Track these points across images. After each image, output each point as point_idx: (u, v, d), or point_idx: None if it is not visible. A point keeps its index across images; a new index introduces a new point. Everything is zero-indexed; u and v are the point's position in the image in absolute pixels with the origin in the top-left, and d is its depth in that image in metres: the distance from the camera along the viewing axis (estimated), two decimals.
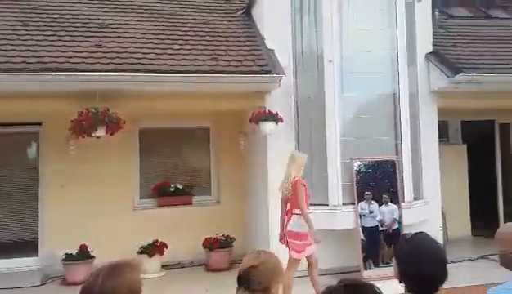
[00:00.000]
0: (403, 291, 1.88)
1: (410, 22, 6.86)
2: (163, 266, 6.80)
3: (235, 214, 7.35)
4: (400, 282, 1.89)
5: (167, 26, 6.83)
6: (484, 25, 8.47)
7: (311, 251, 5.25)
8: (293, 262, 5.14)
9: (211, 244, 6.84)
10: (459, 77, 6.73)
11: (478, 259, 6.79)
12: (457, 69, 6.84)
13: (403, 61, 6.60)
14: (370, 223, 6.25)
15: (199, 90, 6.05)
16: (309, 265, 5.29)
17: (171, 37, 6.53)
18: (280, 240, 5.40)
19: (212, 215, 7.36)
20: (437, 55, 7.13)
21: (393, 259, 1.96)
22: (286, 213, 5.32)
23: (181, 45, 6.35)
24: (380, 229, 6.28)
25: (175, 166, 7.82)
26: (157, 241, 6.68)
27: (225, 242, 6.88)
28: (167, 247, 6.71)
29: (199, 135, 7.90)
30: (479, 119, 8.87)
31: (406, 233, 2.00)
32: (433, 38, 7.33)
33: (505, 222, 8.53)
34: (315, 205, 6.24)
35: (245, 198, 7.45)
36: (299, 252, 5.18)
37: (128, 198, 7.31)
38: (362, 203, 6.26)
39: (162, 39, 6.44)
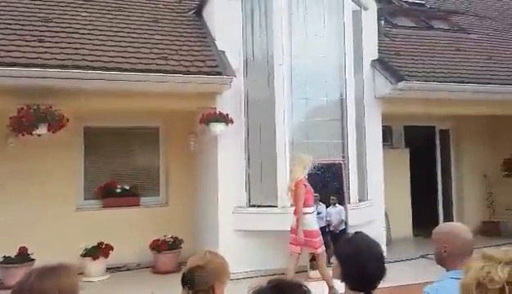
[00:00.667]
0: (344, 290, 1.94)
1: (357, 30, 7.08)
2: (108, 269, 6.61)
3: (185, 215, 7.27)
4: (342, 281, 1.94)
5: (115, 23, 6.66)
6: (426, 35, 8.87)
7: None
8: (320, 257, 5.53)
9: (158, 246, 6.72)
10: (402, 84, 7.02)
11: (418, 258, 7.09)
12: (400, 76, 7.12)
13: (350, 67, 6.79)
14: (318, 224, 6.36)
15: (147, 89, 5.94)
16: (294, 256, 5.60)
17: (119, 34, 6.38)
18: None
19: (160, 216, 7.24)
20: (382, 63, 7.40)
21: (334, 259, 2.00)
22: (294, 213, 5.63)
23: (129, 43, 6.22)
24: (328, 229, 6.42)
25: (122, 166, 7.63)
26: (102, 243, 6.50)
27: (173, 244, 6.78)
28: (112, 250, 6.53)
29: (148, 134, 7.75)
30: (421, 125, 9.30)
31: (347, 234, 2.07)
32: (378, 46, 7.60)
33: (444, 222, 9.00)
34: (265, 206, 6.34)
35: (195, 200, 7.39)
36: (318, 248, 5.53)
37: (71, 199, 7.05)
38: None
39: (109, 36, 6.28)
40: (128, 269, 6.93)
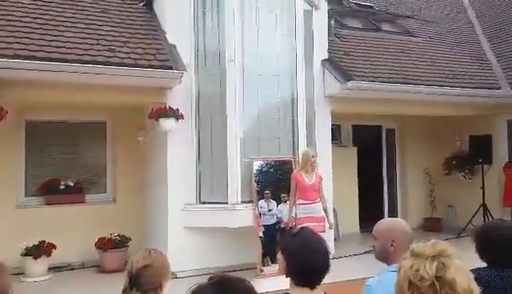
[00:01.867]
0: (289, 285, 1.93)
1: (308, 29, 7.16)
2: (50, 269, 6.34)
3: (133, 213, 7.09)
4: (286, 276, 1.94)
5: (59, 12, 6.36)
6: (374, 37, 9.13)
7: None
8: None
9: (104, 244, 6.52)
10: (350, 83, 7.18)
11: (363, 254, 7.30)
12: (349, 76, 7.28)
13: (301, 66, 6.86)
14: (268, 221, 6.39)
15: (94, 81, 5.72)
16: None
17: (64, 24, 6.10)
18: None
19: (107, 214, 7.03)
20: (332, 63, 7.53)
21: (279, 254, 1.98)
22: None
23: (74, 33, 5.96)
24: (278, 226, 6.45)
25: (67, 162, 7.32)
26: (44, 242, 6.22)
27: (120, 243, 6.60)
28: (55, 248, 6.27)
29: (95, 129, 7.49)
30: (368, 124, 9.57)
31: (291, 228, 2.08)
32: (329, 46, 7.73)
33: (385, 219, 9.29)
34: (215, 203, 6.30)
35: (144, 197, 7.23)
36: None
37: (11, 196, 6.69)
38: (262, 202, 6.39)
39: (54, 25, 5.99)
40: (72, 269, 6.69)
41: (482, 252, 2.52)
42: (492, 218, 7.88)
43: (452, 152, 9.35)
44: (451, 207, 9.55)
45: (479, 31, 10.79)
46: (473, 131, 9.05)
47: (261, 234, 6.28)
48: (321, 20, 7.52)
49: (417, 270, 1.35)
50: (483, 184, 8.65)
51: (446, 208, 9.62)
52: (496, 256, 2.46)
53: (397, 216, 9.11)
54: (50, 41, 5.66)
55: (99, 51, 5.78)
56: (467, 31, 10.83)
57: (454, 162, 9.27)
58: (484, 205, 8.56)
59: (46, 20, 6.09)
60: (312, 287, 1.89)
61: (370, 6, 10.96)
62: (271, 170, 6.66)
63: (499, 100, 8.47)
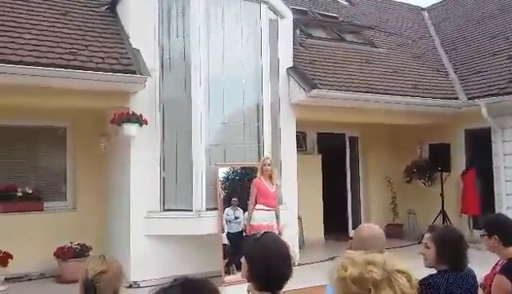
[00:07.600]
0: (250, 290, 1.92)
1: (274, 38, 7.22)
2: (7, 279, 6.09)
3: (94, 221, 6.91)
4: (248, 281, 1.92)
5: (18, 13, 6.17)
6: (338, 47, 9.30)
7: None
8: None
9: (64, 254, 6.31)
10: (314, 92, 7.27)
11: (327, 260, 7.35)
12: (313, 84, 7.37)
13: (266, 73, 6.90)
14: (235, 228, 6.34)
15: (53, 85, 5.56)
16: None
17: (23, 25, 5.92)
18: None
19: (67, 222, 6.81)
20: (297, 71, 7.61)
21: (242, 259, 1.97)
22: None
23: (34, 35, 5.78)
24: (245, 234, 6.41)
25: (24, 168, 7.07)
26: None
27: (80, 252, 6.39)
28: (11, 258, 6.02)
29: (55, 135, 7.27)
30: (332, 132, 9.70)
31: (254, 234, 2.07)
32: (294, 55, 7.81)
33: (352, 225, 9.39)
34: (179, 210, 6.21)
35: (106, 204, 7.05)
36: None
37: None
38: (228, 209, 6.34)
39: (12, 27, 5.81)
40: (30, 280, 6.44)
41: (442, 257, 2.56)
42: (451, 224, 8.12)
43: (413, 160, 9.60)
44: (412, 214, 9.79)
45: (438, 43, 11.19)
46: (432, 140, 9.32)
47: (227, 242, 6.23)
48: (286, 28, 7.60)
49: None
50: (442, 192, 8.92)
51: (407, 215, 9.85)
52: (454, 260, 2.53)
53: (360, 223, 9.25)
54: (7, 43, 5.46)
55: (59, 53, 5.62)
56: (426, 43, 11.20)
57: (414, 170, 9.51)
58: (443, 211, 8.82)
59: (2, 20, 5.89)
60: (274, 293, 1.88)
61: (335, 17, 11.17)
62: (237, 177, 6.63)
63: (457, 110, 8.77)
